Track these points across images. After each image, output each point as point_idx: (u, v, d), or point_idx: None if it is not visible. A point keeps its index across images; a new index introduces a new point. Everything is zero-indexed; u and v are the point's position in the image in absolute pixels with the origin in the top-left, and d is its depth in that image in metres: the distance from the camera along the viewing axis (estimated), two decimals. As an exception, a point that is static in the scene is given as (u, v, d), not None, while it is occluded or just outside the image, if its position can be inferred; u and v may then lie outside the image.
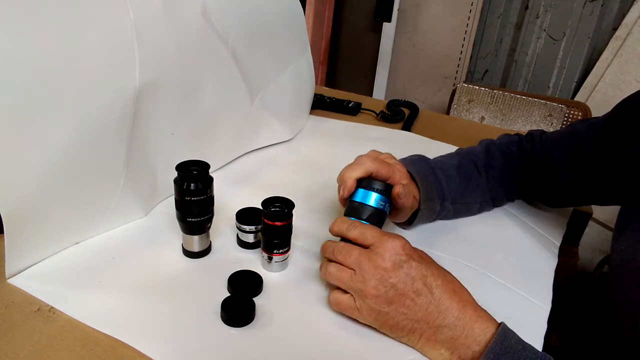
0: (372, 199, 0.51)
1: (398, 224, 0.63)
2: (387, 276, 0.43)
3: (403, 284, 0.43)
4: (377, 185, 0.51)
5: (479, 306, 0.44)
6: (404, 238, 0.46)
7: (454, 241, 0.63)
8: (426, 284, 0.44)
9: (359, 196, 0.51)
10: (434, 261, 0.47)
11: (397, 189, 0.52)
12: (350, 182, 0.52)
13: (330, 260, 0.48)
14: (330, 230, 0.50)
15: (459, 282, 0.46)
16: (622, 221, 0.52)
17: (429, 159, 0.64)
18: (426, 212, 0.60)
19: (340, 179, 0.53)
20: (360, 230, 0.47)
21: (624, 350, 0.49)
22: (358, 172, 0.52)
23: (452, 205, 0.63)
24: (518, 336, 0.42)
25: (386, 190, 0.52)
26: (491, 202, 0.69)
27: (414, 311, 0.43)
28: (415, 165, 0.60)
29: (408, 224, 0.61)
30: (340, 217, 0.51)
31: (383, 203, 0.51)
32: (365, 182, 0.52)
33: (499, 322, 0.43)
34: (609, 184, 0.58)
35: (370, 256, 0.45)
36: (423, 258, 0.46)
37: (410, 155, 0.64)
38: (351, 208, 0.51)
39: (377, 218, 0.51)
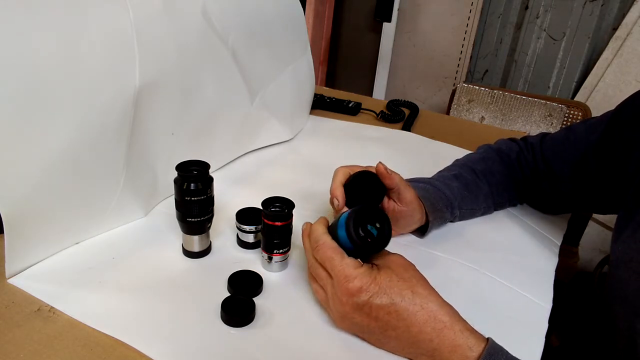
0: (346, 240, 0.45)
1: (411, 233, 0.63)
2: (350, 316, 0.42)
3: (367, 322, 0.42)
4: (357, 233, 0.44)
5: (460, 329, 0.40)
6: (366, 271, 0.42)
7: (455, 242, 0.63)
8: (390, 321, 0.41)
9: (341, 232, 0.45)
10: (403, 286, 0.41)
11: (380, 167, 0.53)
12: (338, 193, 0.53)
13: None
14: (303, 232, 0.49)
15: (435, 305, 0.41)
16: (621, 222, 0.52)
17: (422, 177, 0.65)
18: (436, 222, 0.61)
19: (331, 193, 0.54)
20: (322, 257, 0.44)
21: (623, 350, 0.49)
22: (340, 178, 0.54)
23: (459, 211, 0.63)
24: (507, 354, 0.39)
25: (379, 244, 0.45)
26: (493, 206, 0.69)
27: (386, 341, 0.43)
28: (412, 186, 0.60)
29: (421, 233, 0.62)
30: (320, 221, 0.47)
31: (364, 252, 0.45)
32: (352, 223, 0.44)
33: (487, 338, 0.40)
34: (612, 191, 0.57)
35: (333, 290, 0.43)
36: (387, 291, 0.41)
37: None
38: (334, 230, 0.46)
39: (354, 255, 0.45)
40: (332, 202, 0.55)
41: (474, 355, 0.39)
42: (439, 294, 0.42)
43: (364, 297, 0.41)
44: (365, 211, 0.45)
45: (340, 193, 0.53)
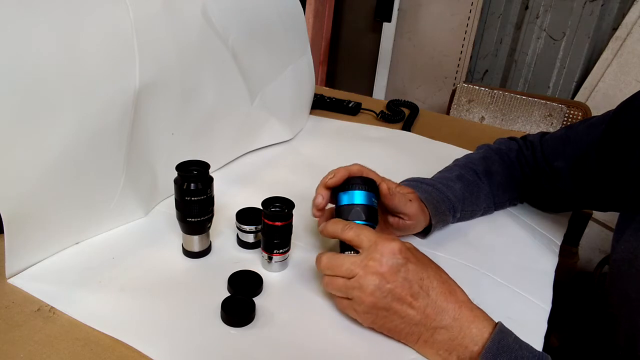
0: (359, 197, 0.50)
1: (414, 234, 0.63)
2: (385, 282, 0.43)
3: (401, 288, 0.43)
4: (359, 183, 0.50)
5: (475, 305, 0.44)
6: (399, 240, 0.45)
7: (455, 241, 0.63)
8: (423, 287, 0.43)
9: (345, 199, 0.50)
10: (429, 260, 0.47)
11: (383, 186, 0.52)
12: (321, 189, 0.52)
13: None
14: (323, 232, 0.49)
15: (454, 281, 0.46)
16: (622, 221, 0.52)
17: (425, 178, 0.65)
18: (439, 225, 0.61)
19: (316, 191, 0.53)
20: (356, 231, 0.46)
21: (624, 349, 0.49)
22: (334, 180, 0.52)
23: (460, 213, 0.63)
24: (515, 335, 0.42)
25: (369, 186, 0.51)
26: (494, 206, 0.69)
27: (412, 315, 0.43)
28: (416, 187, 0.61)
29: (423, 235, 0.62)
30: (333, 219, 0.50)
31: (370, 199, 0.50)
32: (345, 185, 0.51)
33: (496, 321, 0.43)
34: (612, 189, 0.57)
35: (365, 262, 0.44)
36: (419, 259, 0.45)
37: (406, 180, 0.64)
38: (341, 213, 0.50)
39: (369, 215, 0.50)
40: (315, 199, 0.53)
41: (490, 326, 0.42)
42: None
43: (402, 258, 0.43)
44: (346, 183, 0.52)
45: (325, 194, 0.52)
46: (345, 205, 0.50)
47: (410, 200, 0.55)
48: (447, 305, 0.43)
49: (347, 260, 0.45)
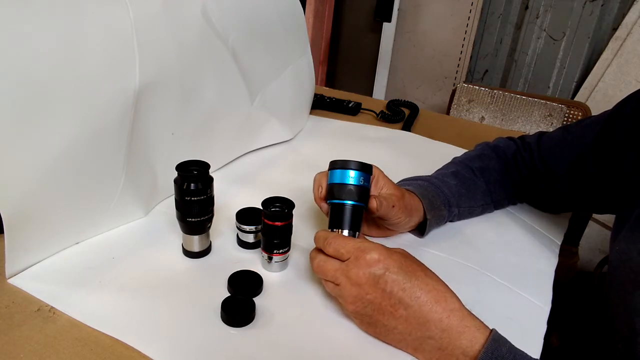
0: (350, 177, 0.51)
1: (411, 232, 0.63)
2: (364, 293, 0.43)
3: (380, 299, 0.42)
4: (353, 165, 0.51)
5: (467, 314, 0.42)
6: (381, 247, 0.44)
7: (455, 241, 0.63)
8: (404, 297, 0.42)
9: (337, 177, 0.51)
10: (416, 268, 0.44)
11: (373, 204, 0.52)
12: (320, 176, 0.53)
13: None
14: (314, 241, 0.50)
15: (445, 288, 0.43)
16: (618, 222, 0.52)
17: (422, 175, 0.65)
18: (434, 220, 0.60)
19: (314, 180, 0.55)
20: (335, 247, 0.46)
21: (622, 351, 0.49)
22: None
23: (457, 209, 0.63)
24: (510, 344, 0.41)
25: (362, 167, 0.51)
26: (492, 204, 0.69)
27: (394, 324, 0.43)
28: (411, 184, 0.61)
29: (420, 233, 0.62)
30: (322, 229, 0.50)
31: (362, 179, 0.51)
32: (340, 164, 0.52)
33: (491, 328, 0.42)
34: (609, 191, 0.57)
35: (346, 272, 0.44)
36: (402, 268, 0.43)
37: (402, 180, 0.65)
38: (331, 191, 0.52)
39: (358, 195, 0.51)
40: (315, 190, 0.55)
41: (482, 337, 0.40)
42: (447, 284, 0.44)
43: (381, 268, 0.42)
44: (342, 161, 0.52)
45: (321, 179, 0.54)
46: (336, 183, 0.51)
47: (393, 206, 0.54)
48: (432, 316, 0.41)
49: (332, 268, 0.45)
